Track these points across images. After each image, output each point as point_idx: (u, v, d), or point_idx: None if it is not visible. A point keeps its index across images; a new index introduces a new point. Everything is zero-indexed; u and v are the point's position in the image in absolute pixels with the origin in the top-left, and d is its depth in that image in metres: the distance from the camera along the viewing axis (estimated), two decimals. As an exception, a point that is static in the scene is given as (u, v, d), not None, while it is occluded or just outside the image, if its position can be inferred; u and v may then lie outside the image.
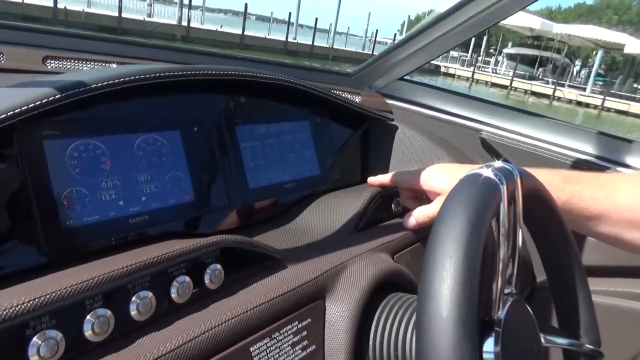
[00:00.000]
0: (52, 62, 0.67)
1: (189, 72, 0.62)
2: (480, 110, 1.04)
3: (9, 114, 0.44)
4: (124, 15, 17.81)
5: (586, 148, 0.93)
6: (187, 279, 0.48)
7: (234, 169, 0.70)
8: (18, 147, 0.48)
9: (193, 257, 0.49)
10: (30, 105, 0.46)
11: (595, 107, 24.71)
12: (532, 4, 0.98)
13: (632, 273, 0.88)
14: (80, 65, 0.70)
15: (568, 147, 0.93)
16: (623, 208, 0.58)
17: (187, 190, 0.62)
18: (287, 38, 23.74)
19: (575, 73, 36.59)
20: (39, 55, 0.66)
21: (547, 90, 26.53)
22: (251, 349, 0.48)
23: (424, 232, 0.76)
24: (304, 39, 26.48)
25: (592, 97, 25.80)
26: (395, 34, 39.91)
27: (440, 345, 0.33)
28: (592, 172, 0.67)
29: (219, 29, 21.68)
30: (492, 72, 32.59)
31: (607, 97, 24.95)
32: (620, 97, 26.36)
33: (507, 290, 0.44)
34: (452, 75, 30.87)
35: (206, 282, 0.50)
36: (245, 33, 21.42)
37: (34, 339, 0.37)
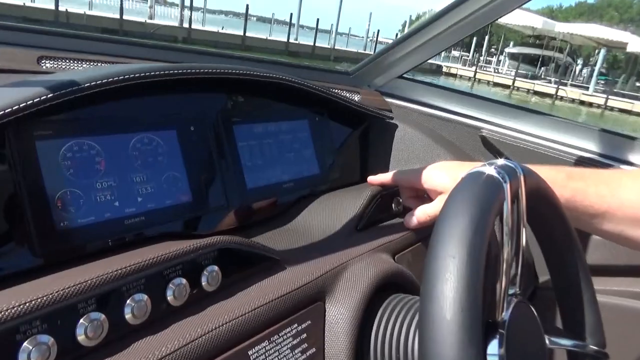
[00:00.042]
0: (47, 62, 0.66)
1: (184, 71, 0.61)
2: (480, 108, 1.03)
3: (0, 113, 0.43)
4: (125, 17, 17.84)
5: (588, 145, 0.92)
6: (184, 281, 0.47)
7: (231, 168, 0.69)
8: (10, 148, 0.47)
9: (190, 259, 0.48)
10: (21, 105, 0.45)
11: (599, 106, 24.66)
12: (530, 1, 0.96)
13: (636, 272, 0.87)
14: (75, 65, 0.69)
15: (570, 145, 0.92)
16: (628, 205, 0.57)
17: (184, 190, 0.61)
18: (288, 39, 23.75)
19: (577, 72, 36.51)
20: (34, 55, 0.65)
21: (550, 89, 26.48)
22: (249, 352, 0.47)
23: (425, 232, 0.75)
24: (305, 40, 26.50)
25: (595, 96, 25.75)
26: (396, 34, 39.96)
27: (444, 350, 0.32)
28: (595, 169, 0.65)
29: (221, 31, 21.70)
30: (494, 72, 32.53)
31: (610, 96, 24.88)
32: (624, 95, 26.31)
33: (510, 291, 0.43)
34: (454, 75, 30.83)
35: (203, 284, 0.49)
36: (247, 34, 21.43)
37: (25, 344, 0.36)
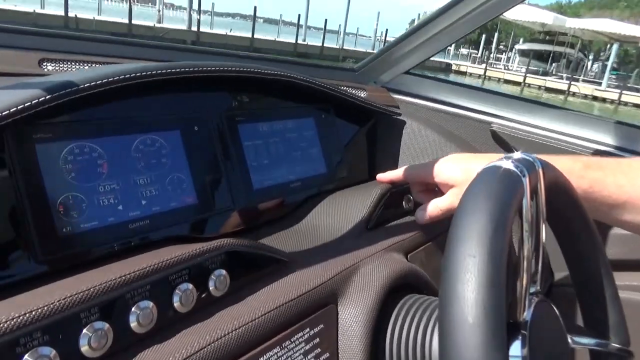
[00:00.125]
0: (48, 64, 0.65)
1: (186, 70, 0.59)
2: (490, 102, 1.01)
3: None
4: (134, 22, 18.01)
5: (604, 138, 0.89)
6: (190, 286, 0.45)
7: (237, 169, 0.67)
8: (9, 151, 0.46)
9: (196, 263, 0.46)
10: (19, 107, 0.43)
11: (612, 101, 24.35)
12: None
13: None
14: (77, 67, 0.68)
15: (584, 138, 0.89)
16: None
17: (189, 192, 0.60)
18: (296, 40, 23.78)
19: (588, 68, 36.09)
20: (35, 57, 0.64)
21: (562, 85, 26.20)
22: (261, 359, 0.45)
23: (438, 230, 0.74)
24: (314, 41, 26.53)
25: (609, 91, 25.42)
26: (405, 34, 39.65)
27: (467, 355, 0.30)
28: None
29: (229, 33, 21.80)
30: (504, 69, 32.28)
31: (624, 91, 24.53)
32: (638, 90, 25.90)
33: (531, 290, 0.41)
34: (464, 73, 30.64)
35: (211, 289, 0.47)
36: (255, 36, 21.51)
37: (26, 356, 0.34)
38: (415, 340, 0.51)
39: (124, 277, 0.40)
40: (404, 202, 0.76)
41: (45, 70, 0.65)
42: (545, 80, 27.25)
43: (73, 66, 0.68)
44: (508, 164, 0.38)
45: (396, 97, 1.07)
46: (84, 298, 0.38)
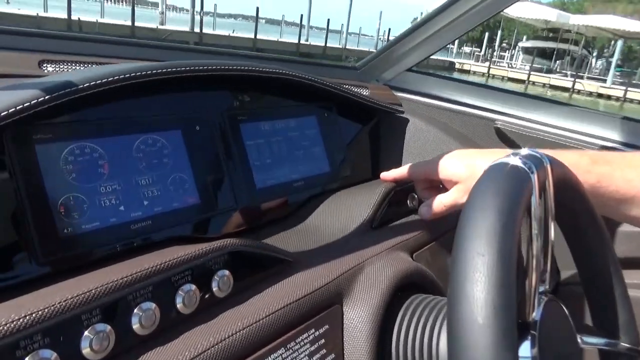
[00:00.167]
0: (48, 65, 0.64)
1: (187, 69, 0.59)
2: (494, 99, 1.00)
3: None
4: (136, 24, 18.07)
5: (609, 134, 0.88)
6: (193, 287, 0.44)
7: (239, 168, 0.66)
8: (8, 153, 0.45)
9: (199, 264, 0.46)
10: (17, 108, 0.43)
11: (617, 98, 24.17)
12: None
13: None
14: (77, 68, 0.67)
15: (590, 134, 0.88)
16: None
17: (191, 192, 0.59)
18: (299, 40, 23.80)
19: (592, 65, 35.89)
20: (35, 59, 0.64)
21: (566, 83, 26.05)
22: None
23: (444, 228, 0.73)
24: (316, 41, 26.53)
25: (614, 88, 25.24)
26: (407, 32, 39.56)
27: (477, 356, 0.29)
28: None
29: (232, 34, 21.84)
30: (508, 67, 32.15)
31: (629, 88, 24.37)
32: (644, 87, 25.75)
33: (539, 289, 0.40)
34: (467, 72, 30.54)
35: (214, 289, 0.46)
36: (258, 37, 21.54)
37: (26, 359, 0.34)
38: (422, 341, 0.50)
39: (125, 278, 0.40)
40: (408, 201, 0.75)
41: (46, 71, 0.64)
42: (549, 77, 27.11)
43: (73, 67, 0.67)
44: (516, 161, 0.38)
45: (399, 95, 1.07)
46: (85, 300, 0.37)
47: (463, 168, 0.63)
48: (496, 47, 39.58)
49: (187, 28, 20.71)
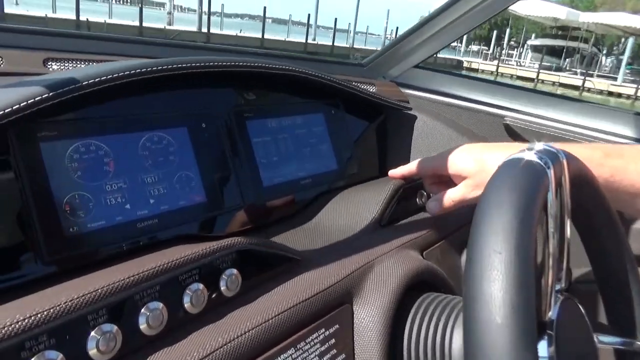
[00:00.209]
0: (53, 64, 0.64)
1: (193, 65, 0.58)
2: (502, 95, 0.98)
3: None
4: (144, 24, 18.16)
5: (621, 130, 0.86)
6: (201, 286, 0.44)
7: (246, 166, 0.66)
8: (13, 150, 0.45)
9: (206, 262, 0.45)
10: (22, 105, 0.42)
11: (628, 96, 23.89)
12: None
13: None
14: (82, 66, 0.67)
15: (602, 130, 0.87)
16: None
17: (197, 190, 0.59)
18: (306, 39, 23.78)
19: (602, 62, 35.52)
20: (40, 57, 0.63)
21: (576, 81, 25.77)
22: None
23: (454, 226, 0.72)
24: (323, 40, 26.52)
25: (625, 86, 24.95)
26: (415, 31, 39.43)
27: (495, 357, 0.29)
28: None
29: (239, 34, 21.89)
30: (517, 65, 31.92)
31: (640, 86, 24.08)
32: (655, 85, 25.43)
33: (556, 287, 0.39)
34: (476, 70, 30.34)
35: (222, 289, 0.46)
36: (265, 36, 21.58)
37: None
38: (434, 340, 0.49)
39: (132, 278, 0.39)
40: (417, 198, 0.74)
41: (50, 69, 0.64)
42: (559, 76, 26.86)
43: (78, 65, 0.67)
44: (531, 155, 0.37)
45: (406, 92, 1.05)
46: (92, 299, 0.36)
47: (472, 163, 0.62)
48: (505, 46, 39.30)
49: (194, 28, 20.78)
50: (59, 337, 0.35)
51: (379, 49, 1.16)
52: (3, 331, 0.32)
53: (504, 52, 37.70)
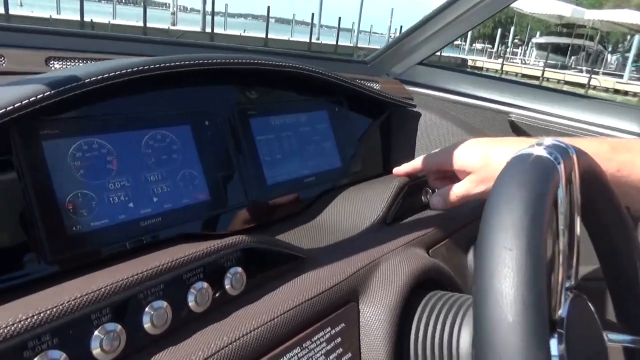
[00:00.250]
0: (55, 63, 0.64)
1: (196, 62, 0.58)
2: (508, 91, 0.97)
3: (0, 112, 0.40)
4: (148, 24, 18.20)
5: (628, 126, 0.85)
6: (205, 285, 0.43)
7: (249, 164, 0.65)
8: (15, 149, 0.44)
9: (211, 261, 0.44)
10: (23, 102, 0.42)
11: (635, 94, 23.71)
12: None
13: None
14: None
15: (607, 126, 0.86)
16: None
17: (201, 188, 0.58)
18: (310, 39, 23.77)
19: (608, 60, 35.27)
20: (42, 56, 0.63)
21: (582, 79, 25.62)
22: None
23: (460, 224, 0.72)
24: (327, 39, 26.51)
25: (631, 84, 24.77)
26: (419, 30, 39.36)
27: (506, 355, 0.28)
28: None
29: (243, 34, 21.92)
30: (521, 63, 31.77)
31: (646, 83, 23.91)
32: (662, 82, 25.25)
33: (565, 285, 0.39)
34: (480, 69, 30.25)
35: (227, 287, 0.45)
36: (269, 36, 21.59)
37: None
38: (441, 339, 0.49)
39: (136, 276, 0.39)
40: (422, 196, 0.74)
41: (52, 68, 0.64)
42: (564, 74, 26.69)
43: (80, 64, 0.66)
44: (540, 151, 0.36)
45: (409, 89, 1.05)
46: (95, 298, 0.36)
47: (477, 158, 0.61)
48: (509, 44, 39.13)
49: (198, 28, 20.80)
50: (62, 336, 0.34)
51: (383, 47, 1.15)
52: (5, 330, 0.31)
53: (508, 50, 37.52)
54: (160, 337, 0.39)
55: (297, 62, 0.71)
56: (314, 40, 24.11)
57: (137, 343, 0.38)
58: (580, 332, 0.38)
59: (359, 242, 0.60)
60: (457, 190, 0.64)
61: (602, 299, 0.54)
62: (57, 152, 0.47)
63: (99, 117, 0.52)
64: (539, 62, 30.72)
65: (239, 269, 0.46)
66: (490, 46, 39.28)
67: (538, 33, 39.43)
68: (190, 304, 0.42)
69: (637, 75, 28.46)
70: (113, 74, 0.49)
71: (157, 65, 0.53)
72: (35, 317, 0.33)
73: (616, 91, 24.72)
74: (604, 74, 28.82)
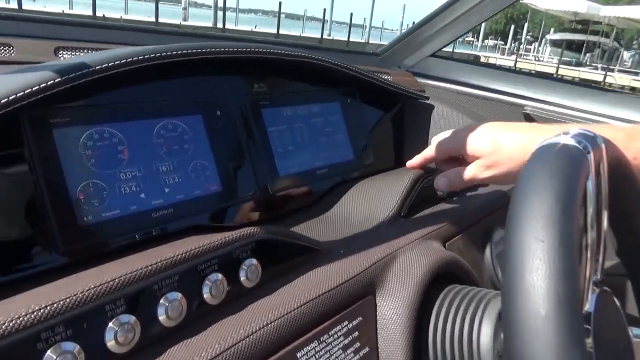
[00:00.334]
0: (64, 53, 0.63)
1: (209, 50, 0.56)
2: (522, 84, 0.96)
3: (10, 98, 0.39)
4: (160, 20, 18.27)
5: None
6: (220, 276, 0.42)
7: (261, 155, 0.64)
8: (26, 137, 0.44)
9: (226, 252, 0.43)
10: (34, 89, 0.41)
11: (651, 91, 23.36)
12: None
13: None
14: None
15: (625, 119, 0.84)
16: None
17: (212, 180, 0.57)
18: (322, 34, 23.71)
19: (623, 57, 34.71)
20: (51, 46, 0.63)
21: (597, 76, 25.25)
22: (298, 354, 0.42)
23: (477, 217, 0.71)
24: (339, 35, 26.43)
25: (647, 81, 24.38)
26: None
27: (542, 353, 0.27)
28: None
29: (254, 29, 21.92)
30: (535, 60, 31.40)
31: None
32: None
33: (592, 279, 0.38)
34: (493, 65, 29.98)
35: (242, 279, 0.44)
36: (280, 32, 21.57)
37: (48, 353, 0.32)
38: (461, 334, 0.48)
39: (150, 267, 0.38)
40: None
41: (62, 58, 0.63)
42: (579, 71, 26.33)
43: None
44: (568, 140, 0.34)
45: (421, 82, 1.03)
46: (109, 289, 0.35)
47: (488, 143, 0.60)
48: (523, 40, 38.67)
49: (209, 24, 20.84)
50: (76, 327, 0.33)
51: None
52: (18, 321, 0.31)
53: (522, 46, 37.09)
54: (175, 330, 0.39)
55: (309, 53, 0.70)
56: (325, 36, 24.03)
57: (152, 335, 0.37)
58: (607, 327, 0.37)
59: (374, 234, 0.59)
60: (464, 174, 0.62)
61: (624, 294, 0.53)
62: (68, 141, 0.46)
63: (109, 106, 0.51)
64: (552, 58, 30.30)
65: (254, 261, 0.45)
66: (503, 43, 38.87)
67: (552, 30, 38.93)
68: (205, 295, 0.41)
69: (655, 73, 27.96)
70: (124, 60, 0.48)
71: (168, 53, 0.52)
72: (48, 307, 0.32)
73: (632, 89, 24.36)
74: (619, 71, 28.38)
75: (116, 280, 0.36)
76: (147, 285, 0.38)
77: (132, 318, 0.36)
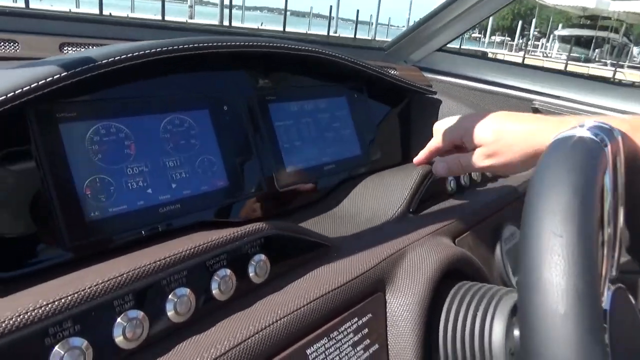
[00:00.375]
0: (69, 48, 0.63)
1: (215, 44, 0.56)
2: (531, 78, 0.95)
3: (16, 92, 0.39)
4: (166, 17, 18.31)
5: None
6: (229, 272, 0.42)
7: (268, 150, 0.64)
8: (32, 132, 0.43)
9: (234, 247, 0.43)
10: (40, 82, 0.41)
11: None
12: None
13: None
14: None
15: (635, 113, 0.82)
16: None
17: (219, 175, 0.57)
18: (328, 32, 23.67)
19: (633, 53, 34.31)
20: (56, 42, 0.62)
21: (606, 72, 24.99)
22: (308, 351, 0.42)
23: (486, 213, 0.70)
24: (345, 32, 26.37)
25: (658, 77, 24.10)
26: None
27: (561, 351, 0.26)
28: None
29: (260, 27, 21.92)
30: (543, 56, 31.14)
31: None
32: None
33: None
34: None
35: (250, 275, 0.44)
36: (286, 29, 21.55)
37: (56, 348, 0.31)
38: (472, 331, 0.47)
39: (159, 262, 0.37)
40: (446, 184, 0.72)
41: (67, 54, 0.63)
42: (588, 67, 26.08)
43: None
44: (585, 132, 0.33)
45: (428, 76, 1.02)
46: (118, 284, 0.35)
47: (490, 133, 0.59)
48: (530, 36, 38.35)
49: (216, 21, 20.86)
50: (84, 323, 0.33)
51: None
52: (26, 317, 0.30)
53: (530, 42, 36.78)
54: (183, 326, 0.38)
55: (315, 47, 0.70)
56: (331, 33, 23.99)
57: (160, 331, 0.37)
58: (623, 325, 0.36)
59: (383, 231, 0.58)
60: (463, 160, 0.62)
61: (636, 291, 0.52)
62: (75, 136, 0.46)
63: (116, 100, 0.50)
64: (561, 55, 30.04)
65: (263, 256, 0.45)
66: (510, 39, 38.58)
67: (560, 25, 38.56)
68: (214, 291, 0.41)
69: (664, 69, 27.62)
70: (130, 55, 0.47)
71: (174, 47, 0.51)
72: (56, 303, 0.32)
73: (642, 85, 23.98)
74: (629, 67, 28.07)
75: (124, 275, 0.35)
76: (156, 280, 0.37)
77: (140, 314, 0.35)
